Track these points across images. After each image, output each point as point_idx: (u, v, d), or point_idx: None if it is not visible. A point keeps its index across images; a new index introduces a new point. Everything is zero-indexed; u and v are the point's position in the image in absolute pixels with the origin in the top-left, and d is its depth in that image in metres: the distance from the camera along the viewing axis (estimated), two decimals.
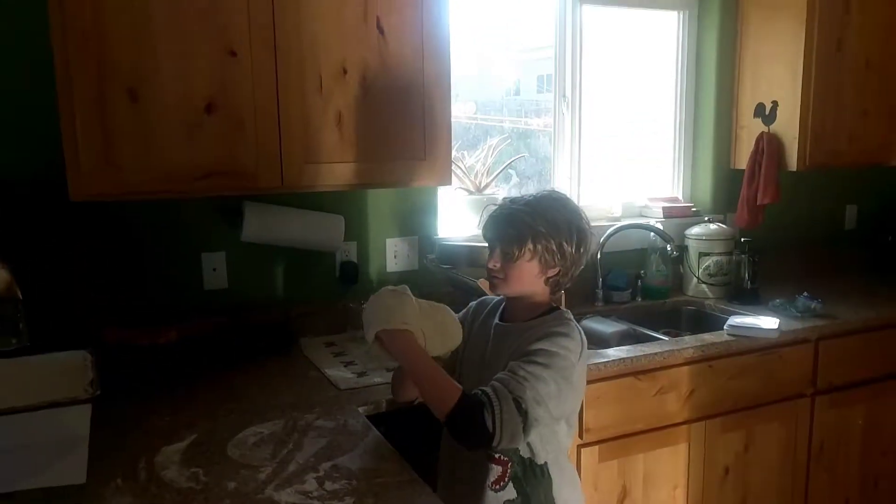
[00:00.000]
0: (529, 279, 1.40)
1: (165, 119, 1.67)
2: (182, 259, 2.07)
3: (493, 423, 1.24)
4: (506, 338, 1.43)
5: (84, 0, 1.56)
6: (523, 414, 1.26)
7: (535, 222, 1.37)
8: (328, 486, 1.27)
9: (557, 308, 1.46)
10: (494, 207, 1.47)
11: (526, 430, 1.27)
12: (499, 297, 1.53)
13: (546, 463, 1.40)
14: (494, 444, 1.26)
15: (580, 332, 1.41)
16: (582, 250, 1.41)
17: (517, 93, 2.92)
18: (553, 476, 1.40)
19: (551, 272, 1.40)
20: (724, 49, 2.78)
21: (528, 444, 1.38)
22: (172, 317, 1.96)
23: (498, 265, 1.40)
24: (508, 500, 1.39)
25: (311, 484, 1.28)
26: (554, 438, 1.40)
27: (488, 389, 1.27)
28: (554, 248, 1.37)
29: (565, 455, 1.47)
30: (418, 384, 1.35)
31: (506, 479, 1.39)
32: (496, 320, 1.49)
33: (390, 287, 1.45)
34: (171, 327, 1.90)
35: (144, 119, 1.66)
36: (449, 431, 1.31)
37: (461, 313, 1.57)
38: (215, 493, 1.25)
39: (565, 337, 1.36)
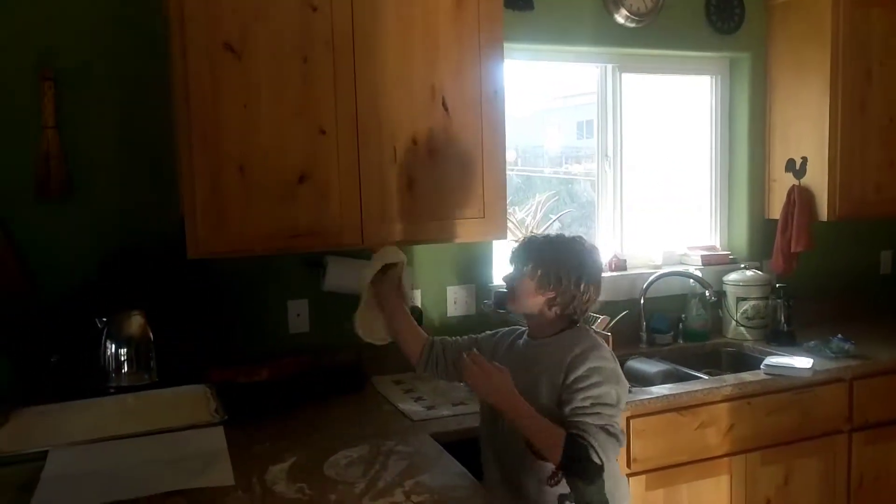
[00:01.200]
0: (528, 297, 1.63)
1: (266, 189, 1.98)
2: (271, 306, 2.37)
3: (599, 456, 1.46)
4: (532, 350, 1.67)
5: (205, 98, 1.89)
6: (613, 436, 1.50)
7: (541, 248, 1.62)
8: (414, 498, 1.50)
9: (573, 326, 1.67)
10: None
11: (620, 444, 1.52)
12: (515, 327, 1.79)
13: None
14: (604, 468, 1.49)
15: (600, 340, 1.63)
16: (582, 286, 1.60)
17: (557, 139, 3.14)
18: (605, 477, 1.56)
19: (548, 295, 1.61)
20: (755, 109, 3.01)
21: None
22: (263, 357, 2.24)
23: (506, 281, 1.67)
24: (562, 494, 1.58)
25: (399, 497, 1.51)
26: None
27: (581, 431, 1.47)
28: (551, 274, 1.59)
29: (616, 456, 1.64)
30: (524, 431, 1.55)
31: (559, 475, 1.56)
32: (525, 339, 1.73)
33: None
34: (263, 366, 2.18)
35: (250, 189, 1.96)
36: (565, 474, 1.52)
37: (492, 331, 1.85)
38: (320, 503, 1.49)
39: (596, 348, 1.59)
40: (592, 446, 1.47)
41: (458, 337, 1.92)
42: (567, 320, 1.66)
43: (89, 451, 1.30)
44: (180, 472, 1.26)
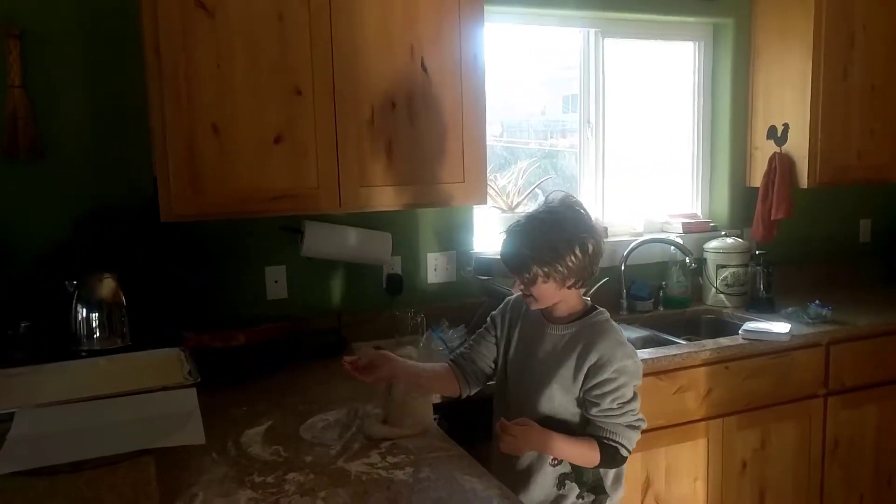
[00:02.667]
0: (553, 294, 1.59)
1: (241, 149, 1.94)
2: (248, 272, 2.34)
3: (627, 449, 1.57)
4: (557, 338, 1.62)
5: (177, 55, 1.84)
6: (637, 429, 1.58)
7: (536, 252, 1.53)
8: (390, 459, 1.50)
9: (594, 308, 1.66)
10: (504, 236, 1.63)
11: (639, 431, 1.59)
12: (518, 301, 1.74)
13: None
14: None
15: (619, 331, 1.62)
16: (591, 253, 1.55)
17: (543, 113, 3.13)
18: None
19: (569, 283, 1.57)
20: (737, 76, 2.99)
21: (580, 423, 1.60)
22: (240, 323, 2.22)
23: (522, 288, 1.62)
24: (563, 473, 1.62)
25: (375, 458, 1.51)
26: None
27: (610, 434, 1.55)
28: (561, 268, 1.53)
29: None
30: (567, 459, 1.60)
31: None
32: (544, 322, 1.67)
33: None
34: (239, 332, 2.15)
35: (224, 150, 1.93)
36: (601, 468, 1.60)
37: (498, 310, 1.79)
38: (296, 464, 1.48)
39: (620, 345, 1.58)
40: (623, 445, 1.55)
41: (470, 341, 1.80)
42: (584, 291, 1.66)
43: (57, 413, 1.28)
44: (150, 432, 1.24)
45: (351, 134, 2.05)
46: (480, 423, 1.78)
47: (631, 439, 1.57)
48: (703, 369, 2.29)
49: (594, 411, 1.55)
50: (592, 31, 2.83)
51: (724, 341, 2.38)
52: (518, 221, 1.61)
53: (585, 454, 1.56)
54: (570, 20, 2.76)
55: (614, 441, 1.54)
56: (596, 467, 1.59)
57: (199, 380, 1.45)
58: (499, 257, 2.30)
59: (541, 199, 1.67)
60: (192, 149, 1.89)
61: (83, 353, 1.75)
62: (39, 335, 1.84)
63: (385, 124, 2.09)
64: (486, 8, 2.20)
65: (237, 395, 1.92)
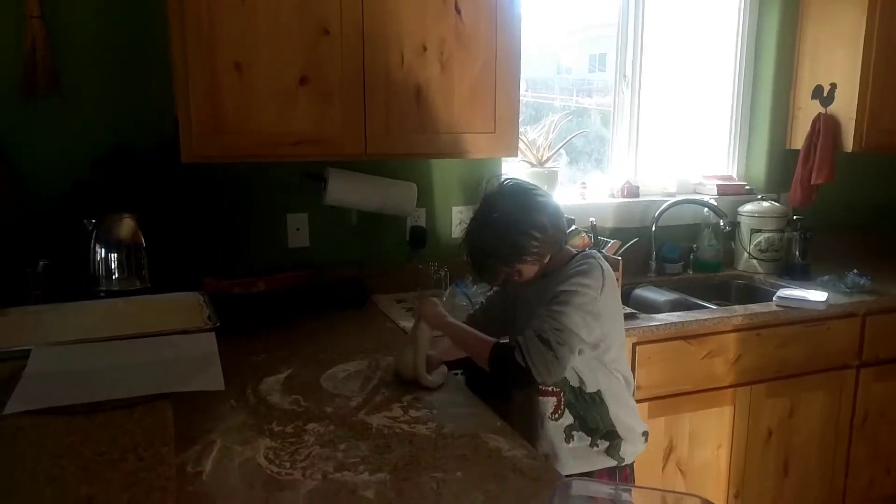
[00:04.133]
0: (532, 271, 1.54)
1: (265, 89, 1.87)
2: (270, 219, 2.29)
3: (524, 359, 1.41)
4: (545, 282, 1.56)
5: None
6: (546, 343, 1.41)
7: (498, 255, 1.50)
8: (412, 413, 1.45)
9: (581, 251, 1.59)
10: (463, 249, 1.57)
11: (558, 358, 1.41)
12: None
13: (599, 391, 1.56)
14: (535, 376, 1.42)
15: (601, 267, 1.52)
16: (550, 227, 1.49)
17: (569, 71, 3.02)
18: (608, 403, 1.56)
19: (545, 259, 1.53)
20: (784, 32, 2.84)
21: (576, 373, 1.54)
22: (260, 271, 2.17)
23: (506, 278, 1.58)
24: (567, 426, 1.57)
25: (397, 411, 1.46)
26: (601, 367, 1.55)
27: (518, 336, 1.46)
28: (530, 257, 1.49)
29: (623, 386, 1.61)
30: (462, 349, 1.57)
31: (561, 409, 1.56)
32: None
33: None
34: (259, 279, 2.11)
35: (247, 89, 1.85)
36: (494, 377, 1.50)
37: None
38: (316, 415, 1.44)
39: (583, 275, 1.49)
40: (519, 347, 1.42)
41: (487, 295, 1.83)
42: (565, 252, 1.58)
43: (74, 352, 1.24)
44: (169, 376, 1.20)
45: (379, 77, 1.96)
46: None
47: (536, 349, 1.40)
48: (733, 335, 2.22)
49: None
50: None
51: (757, 307, 2.30)
52: (468, 231, 1.56)
53: (478, 345, 1.50)
54: None
55: (514, 342, 1.44)
56: (491, 373, 1.47)
57: (218, 324, 1.40)
58: None
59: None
60: (213, 88, 1.81)
61: (101, 294, 1.72)
62: (58, 274, 1.80)
63: (415, 68, 2.00)
64: None
65: (256, 342, 1.88)
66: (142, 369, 1.21)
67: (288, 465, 1.23)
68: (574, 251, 1.60)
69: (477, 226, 1.54)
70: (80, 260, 1.80)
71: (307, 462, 1.24)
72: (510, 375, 1.47)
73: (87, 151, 1.99)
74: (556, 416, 1.57)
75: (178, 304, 1.58)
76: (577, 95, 2.96)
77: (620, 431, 1.58)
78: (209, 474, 1.18)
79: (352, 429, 1.38)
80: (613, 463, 1.58)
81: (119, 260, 1.73)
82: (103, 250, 1.73)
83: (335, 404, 1.50)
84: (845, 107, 2.68)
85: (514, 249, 1.49)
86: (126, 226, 1.75)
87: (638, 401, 2.08)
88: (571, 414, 1.56)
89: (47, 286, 1.81)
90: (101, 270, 1.73)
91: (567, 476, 1.31)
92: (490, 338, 1.51)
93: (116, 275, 1.74)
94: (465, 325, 1.58)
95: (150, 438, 0.99)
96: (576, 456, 1.57)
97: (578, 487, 0.86)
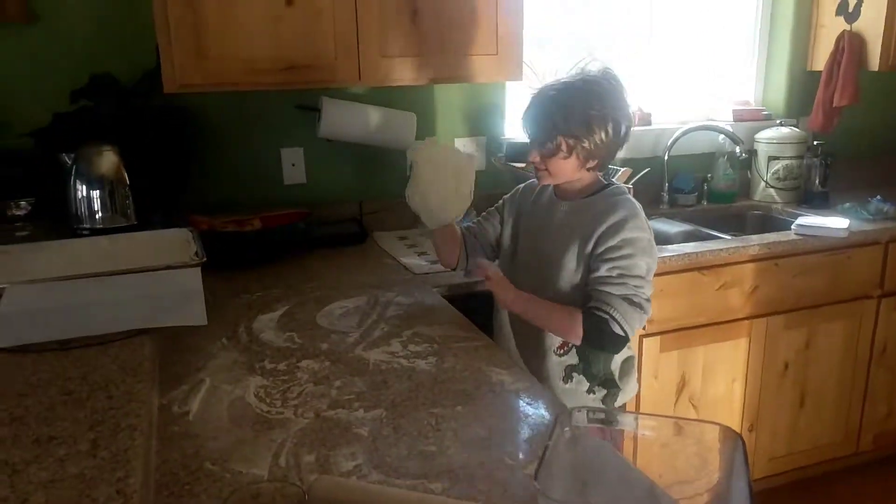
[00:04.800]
0: (571, 171, 1.43)
1: (250, 11, 1.74)
2: (263, 154, 2.18)
3: (622, 328, 1.36)
4: (573, 213, 1.48)
5: None
6: (637, 306, 1.37)
7: (566, 121, 1.37)
8: (412, 348, 1.38)
9: (612, 184, 1.50)
10: (533, 98, 1.45)
11: (646, 313, 1.40)
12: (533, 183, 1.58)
13: None
14: (630, 337, 1.40)
15: (636, 207, 1.44)
16: (621, 134, 1.41)
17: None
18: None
19: (591, 163, 1.43)
20: None
21: None
22: (255, 208, 2.09)
23: (537, 160, 1.45)
24: (570, 365, 1.50)
25: (396, 346, 1.39)
26: None
27: (601, 303, 1.37)
28: (587, 144, 1.38)
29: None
30: (542, 325, 1.46)
31: (569, 346, 1.49)
32: (554, 198, 1.53)
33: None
34: (255, 216, 2.03)
35: (231, 12, 1.73)
36: (590, 347, 1.43)
37: (509, 194, 1.65)
38: (311, 352, 1.37)
39: (633, 217, 1.41)
40: (614, 318, 1.36)
41: (480, 218, 1.69)
42: (602, 174, 1.49)
43: (51, 290, 1.17)
44: (148, 312, 1.13)
45: None
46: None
47: (628, 315, 1.36)
48: (750, 265, 2.13)
49: (590, 278, 1.40)
50: None
51: (775, 236, 2.20)
52: (551, 85, 1.42)
53: (565, 321, 1.39)
54: None
55: (604, 311, 1.35)
56: (585, 343, 1.40)
57: (204, 259, 1.32)
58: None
59: (578, 66, 1.45)
60: (194, 10, 1.69)
61: (85, 232, 1.64)
62: (41, 213, 1.72)
63: None
64: None
65: (251, 280, 1.81)
66: (121, 306, 1.14)
67: (279, 403, 1.17)
68: (603, 180, 1.50)
69: (563, 84, 1.41)
70: (63, 197, 1.72)
71: (299, 400, 1.18)
72: (608, 345, 1.42)
73: (65, 83, 1.88)
74: (562, 351, 1.49)
75: (166, 241, 1.50)
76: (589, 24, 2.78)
77: (620, 382, 1.52)
78: (196, 414, 1.12)
79: (348, 365, 1.31)
80: None
81: (102, 197, 1.65)
82: (84, 187, 1.64)
83: (331, 341, 1.43)
84: (872, 23, 2.51)
85: (584, 127, 1.37)
86: (107, 160, 1.65)
87: (649, 334, 2.03)
88: (577, 354, 1.49)
89: (30, 224, 1.74)
90: (84, 208, 1.65)
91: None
92: (566, 307, 1.41)
93: (100, 213, 1.65)
94: (539, 299, 1.44)
95: (122, 375, 0.92)
96: (570, 398, 1.49)
97: (580, 417, 0.78)
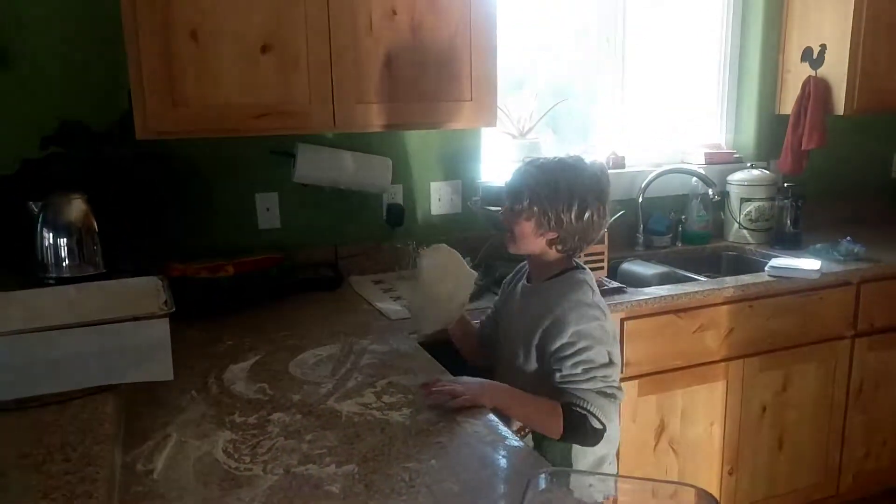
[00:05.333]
0: (529, 238, 1.46)
1: (224, 59, 1.75)
2: (238, 199, 2.17)
3: (600, 421, 1.37)
4: (528, 297, 1.52)
5: None
6: (611, 396, 1.39)
7: (536, 184, 1.42)
8: (386, 399, 1.36)
9: (570, 269, 1.49)
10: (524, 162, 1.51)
11: (619, 400, 1.41)
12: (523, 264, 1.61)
13: None
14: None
15: (591, 288, 1.45)
16: (586, 218, 1.42)
17: (551, 47, 2.88)
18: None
19: (550, 235, 1.44)
20: None
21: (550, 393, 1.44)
22: (229, 254, 2.06)
23: (504, 218, 1.49)
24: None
25: (369, 397, 1.37)
26: None
27: (576, 399, 1.36)
28: (550, 213, 1.41)
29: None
30: (521, 420, 1.42)
31: (526, 430, 1.47)
32: (524, 281, 1.57)
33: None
34: (228, 262, 2.00)
35: (205, 59, 1.73)
36: (568, 442, 1.41)
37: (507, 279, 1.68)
38: (282, 404, 1.34)
39: (577, 307, 1.41)
40: (592, 413, 1.36)
41: (488, 311, 1.72)
42: (569, 259, 1.50)
43: (12, 343, 1.13)
44: (112, 367, 1.10)
45: (347, 44, 1.84)
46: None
47: (603, 408, 1.37)
48: (725, 307, 2.14)
49: (557, 377, 1.39)
50: None
51: (749, 278, 2.21)
52: (543, 157, 1.49)
53: (545, 418, 1.37)
54: None
55: (580, 407, 1.36)
56: (563, 439, 1.38)
57: (173, 309, 1.29)
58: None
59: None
60: (168, 57, 1.69)
61: (51, 281, 1.60)
62: (5, 262, 1.68)
63: (385, 33, 1.88)
64: None
65: (223, 328, 1.78)
66: (83, 360, 1.10)
67: (248, 459, 1.14)
68: (574, 263, 1.52)
69: (550, 157, 1.48)
70: (30, 245, 1.68)
71: (269, 455, 1.14)
72: (589, 440, 1.40)
73: (35, 128, 1.85)
74: (522, 432, 1.46)
75: (134, 290, 1.47)
76: (562, 69, 2.83)
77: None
78: (160, 472, 1.09)
79: (320, 417, 1.28)
80: None
81: (69, 245, 1.61)
82: (51, 235, 1.61)
83: (303, 392, 1.40)
84: (836, 69, 2.58)
85: (552, 193, 1.40)
86: (76, 208, 1.62)
87: (627, 378, 2.02)
88: (533, 439, 1.46)
89: None
90: (50, 257, 1.61)
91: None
92: (547, 401, 1.38)
93: (67, 261, 1.62)
94: (522, 393, 1.39)
95: (81, 437, 0.89)
96: None
97: (556, 479, 0.77)
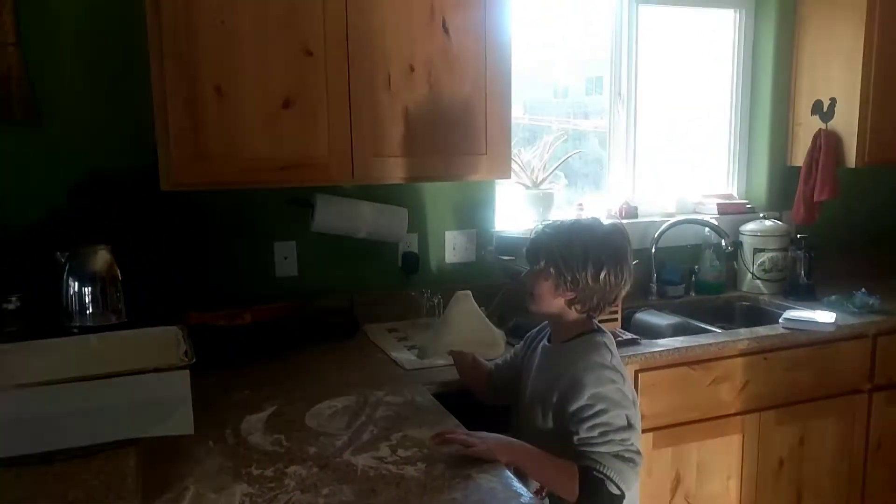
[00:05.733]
0: (548, 298, 1.48)
1: (247, 114, 1.80)
2: (256, 248, 2.21)
3: (618, 486, 1.36)
4: (548, 357, 1.54)
5: (178, 10, 1.70)
6: (629, 461, 1.38)
7: (552, 244, 1.46)
8: (401, 452, 1.36)
9: (589, 331, 1.51)
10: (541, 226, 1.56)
11: (639, 465, 1.40)
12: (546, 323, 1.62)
13: None
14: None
15: (610, 351, 1.46)
16: (602, 278, 1.43)
17: (565, 94, 2.97)
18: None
19: (567, 295, 1.46)
20: (781, 47, 2.79)
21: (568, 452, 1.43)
22: (247, 301, 2.09)
23: (525, 278, 1.53)
24: None
25: (384, 451, 1.37)
26: None
27: (594, 462, 1.36)
28: (566, 273, 1.43)
29: None
30: (536, 479, 1.41)
31: (544, 491, 1.45)
32: (545, 341, 1.59)
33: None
34: (246, 310, 2.02)
35: (228, 114, 1.78)
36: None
37: (527, 335, 1.69)
38: (298, 456, 1.35)
39: (594, 369, 1.42)
40: (609, 478, 1.36)
41: (507, 356, 1.73)
42: (589, 320, 1.52)
43: (33, 396, 1.15)
44: (134, 420, 1.12)
45: (365, 99, 1.90)
46: (501, 422, 1.63)
47: (622, 472, 1.36)
48: (739, 360, 2.13)
49: (575, 440, 1.39)
50: None
51: (763, 330, 2.21)
52: (566, 220, 1.53)
53: (561, 478, 1.36)
54: None
55: (597, 471, 1.35)
56: (580, 502, 1.36)
57: (193, 361, 1.31)
58: (522, 236, 2.18)
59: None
60: (193, 112, 1.75)
61: (74, 330, 1.63)
62: (32, 309, 1.72)
63: (402, 89, 1.93)
64: None
65: (241, 377, 1.80)
66: (106, 413, 1.12)
67: None
68: (595, 325, 1.54)
69: (571, 219, 1.52)
70: (55, 294, 1.72)
71: None
72: (607, 502, 1.39)
73: (64, 179, 1.92)
74: (539, 497, 1.43)
75: (155, 340, 1.50)
76: (575, 118, 2.90)
77: None
78: None
79: (336, 471, 1.29)
80: None
81: (93, 294, 1.65)
82: (76, 284, 1.65)
83: (319, 444, 1.41)
84: (846, 122, 2.62)
85: (568, 253, 1.43)
86: (100, 258, 1.67)
87: (642, 430, 1.99)
88: (550, 501, 1.45)
89: (21, 322, 1.73)
90: (75, 305, 1.65)
91: None
92: (564, 463, 1.37)
93: (91, 309, 1.66)
94: (540, 451, 1.39)
95: (105, 491, 0.90)
96: None
97: None
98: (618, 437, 1.37)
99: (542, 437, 1.46)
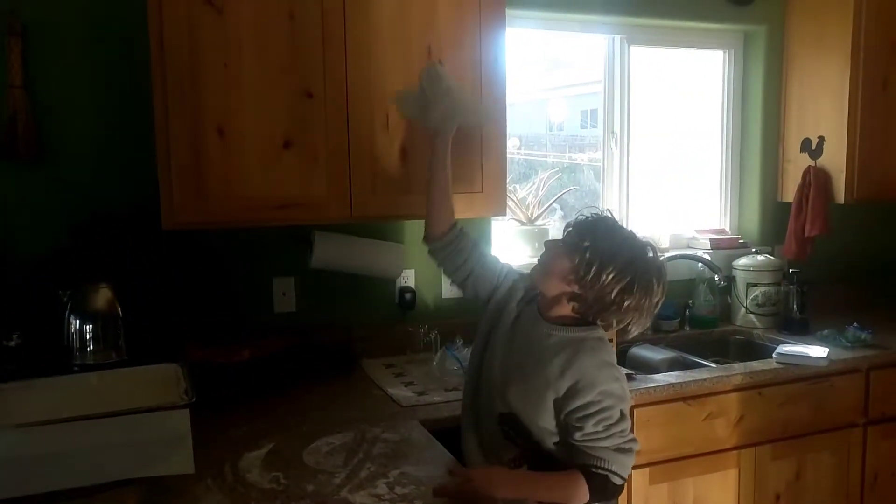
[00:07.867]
0: (555, 279, 1.44)
1: (248, 154, 1.84)
2: (255, 284, 2.23)
3: (620, 476, 1.40)
4: (543, 337, 1.48)
5: (182, 54, 1.75)
6: (628, 451, 1.41)
7: (604, 238, 1.40)
8: (398, 490, 1.37)
9: (590, 323, 1.47)
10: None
11: (633, 452, 1.43)
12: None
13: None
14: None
15: (608, 351, 1.48)
16: (618, 300, 1.38)
17: (560, 128, 3.03)
18: None
19: (573, 287, 1.41)
20: (769, 86, 2.86)
21: (547, 442, 1.47)
22: (245, 337, 2.11)
23: (548, 248, 1.50)
24: None
25: (382, 488, 1.38)
26: None
27: (597, 460, 1.39)
28: (592, 271, 1.37)
29: None
30: (545, 500, 1.40)
31: (521, 461, 1.49)
32: (536, 309, 1.54)
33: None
34: (244, 346, 2.04)
35: (230, 155, 1.82)
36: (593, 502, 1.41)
37: (515, 278, 1.68)
38: (296, 494, 1.36)
39: (608, 366, 1.45)
40: (612, 471, 1.40)
41: (497, 262, 1.73)
42: (577, 316, 1.47)
43: (39, 434, 1.17)
44: (135, 459, 1.13)
45: (364, 139, 1.94)
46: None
47: (623, 464, 1.40)
48: (734, 394, 2.15)
49: (577, 436, 1.40)
50: (618, 37, 2.71)
51: (757, 365, 2.24)
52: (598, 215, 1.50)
53: (571, 489, 1.37)
54: (595, 26, 2.64)
55: (603, 468, 1.38)
56: (590, 501, 1.38)
57: (193, 399, 1.33)
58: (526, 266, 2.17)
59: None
60: (195, 152, 1.79)
61: (76, 368, 1.65)
62: (32, 347, 1.74)
63: (400, 129, 1.98)
64: (507, 11, 2.10)
65: (238, 413, 1.81)
66: (107, 452, 1.14)
67: None
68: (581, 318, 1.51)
69: (631, 231, 1.47)
70: (56, 331, 1.74)
71: None
72: (611, 497, 1.43)
73: (65, 218, 1.95)
74: (514, 465, 1.48)
75: (155, 377, 1.52)
76: (570, 151, 2.96)
77: None
78: None
79: None
80: None
81: (94, 331, 1.67)
82: (78, 321, 1.67)
83: (317, 481, 1.42)
84: (835, 159, 2.67)
85: (601, 246, 1.38)
86: (102, 296, 1.69)
87: (638, 466, 2.01)
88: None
89: (22, 360, 1.75)
90: (76, 343, 1.67)
91: None
92: (563, 474, 1.40)
93: (91, 347, 1.68)
94: (535, 474, 1.45)
95: None
96: None
97: None
98: (618, 429, 1.40)
99: (517, 414, 1.46)
